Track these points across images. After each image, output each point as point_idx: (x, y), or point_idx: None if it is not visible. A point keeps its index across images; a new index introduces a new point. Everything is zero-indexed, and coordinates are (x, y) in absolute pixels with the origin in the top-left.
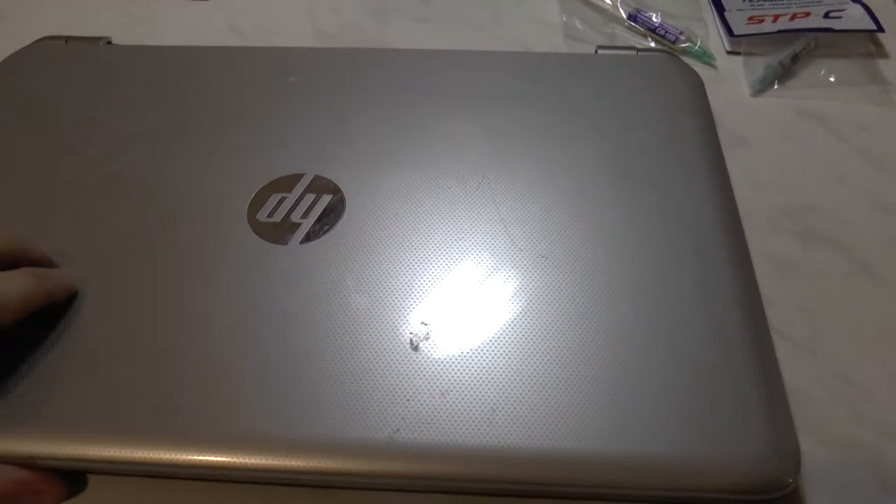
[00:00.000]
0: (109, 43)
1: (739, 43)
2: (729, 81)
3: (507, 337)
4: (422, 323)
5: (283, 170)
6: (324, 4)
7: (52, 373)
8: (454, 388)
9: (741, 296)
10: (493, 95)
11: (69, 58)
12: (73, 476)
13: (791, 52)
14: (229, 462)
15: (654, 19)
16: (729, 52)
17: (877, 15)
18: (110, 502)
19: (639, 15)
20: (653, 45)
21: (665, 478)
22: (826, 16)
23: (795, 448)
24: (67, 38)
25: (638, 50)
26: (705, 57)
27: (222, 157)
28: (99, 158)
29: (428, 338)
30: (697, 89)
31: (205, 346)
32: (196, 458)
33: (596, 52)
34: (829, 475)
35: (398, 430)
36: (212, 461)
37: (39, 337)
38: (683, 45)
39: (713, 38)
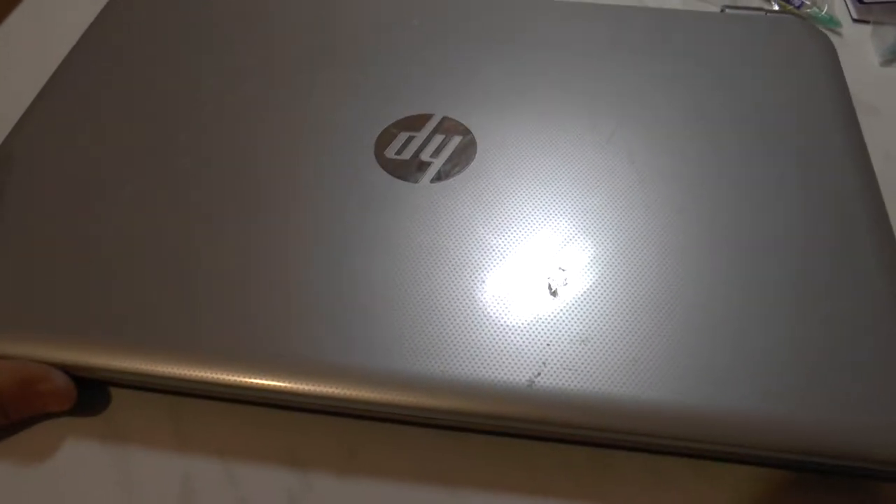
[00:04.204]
0: None
1: (869, 11)
2: (855, 50)
3: (646, 288)
4: (560, 269)
5: (411, 110)
6: None
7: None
8: (594, 336)
9: (887, 266)
10: (623, 49)
11: None
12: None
13: None
14: (367, 397)
15: None
16: (855, 21)
17: None
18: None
19: None
20: (776, 8)
21: (810, 441)
22: None
23: None
24: None
25: (767, 11)
26: (831, 23)
27: (348, 93)
28: (220, 89)
29: (566, 284)
30: (830, 54)
31: (336, 280)
32: (335, 391)
33: (722, 10)
34: None
35: (539, 374)
36: (351, 395)
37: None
38: (808, 10)
39: (839, 5)
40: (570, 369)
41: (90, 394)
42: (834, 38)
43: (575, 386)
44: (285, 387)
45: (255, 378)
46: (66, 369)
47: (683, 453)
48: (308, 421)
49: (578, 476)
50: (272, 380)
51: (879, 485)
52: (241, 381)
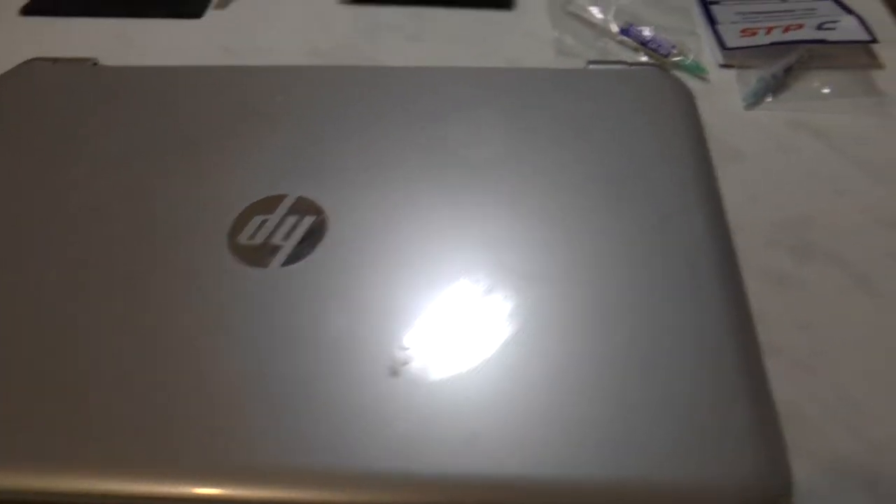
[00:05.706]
0: (95, 64)
1: (733, 56)
2: (722, 95)
3: (491, 361)
4: (401, 348)
5: (266, 191)
6: (317, 23)
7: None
8: (434, 414)
9: (731, 314)
10: (482, 113)
11: (57, 79)
12: None
13: (785, 64)
14: (200, 494)
15: (645, 33)
16: (722, 66)
17: (871, 26)
18: None
19: (631, 29)
20: (644, 59)
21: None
22: (820, 27)
23: (786, 469)
24: (55, 60)
25: (628, 64)
26: (698, 70)
27: (205, 178)
28: (82, 179)
29: (408, 363)
30: (687, 102)
31: (179, 372)
32: (164, 489)
33: (587, 66)
34: (825, 496)
35: (377, 458)
36: (180, 493)
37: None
38: (676, 58)
39: (706, 51)
40: (407, 450)
41: None
42: (701, 85)
43: (412, 466)
44: (141, 491)
45: (118, 485)
46: None
47: None
48: None
49: None
50: (128, 486)
51: None
52: (105, 490)
